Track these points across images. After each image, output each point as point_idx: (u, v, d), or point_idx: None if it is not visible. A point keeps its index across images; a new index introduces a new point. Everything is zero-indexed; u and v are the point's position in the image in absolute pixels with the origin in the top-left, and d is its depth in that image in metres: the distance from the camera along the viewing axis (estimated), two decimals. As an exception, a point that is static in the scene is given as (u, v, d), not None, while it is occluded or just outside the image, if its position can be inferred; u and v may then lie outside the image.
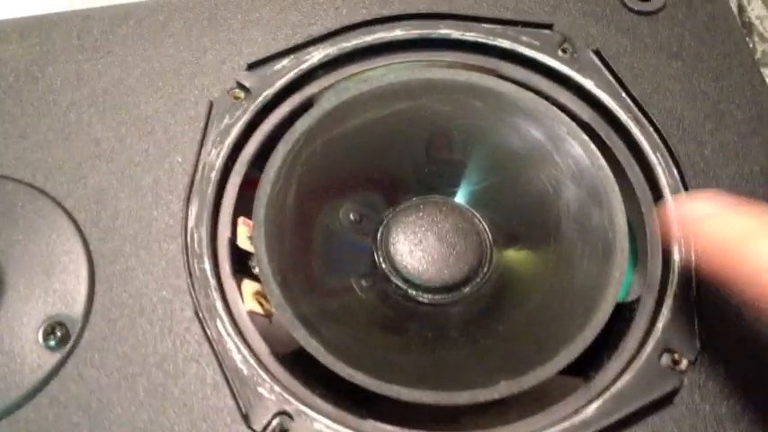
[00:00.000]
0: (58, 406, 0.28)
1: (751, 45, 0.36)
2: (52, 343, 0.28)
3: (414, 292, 0.32)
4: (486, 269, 0.32)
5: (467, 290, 0.32)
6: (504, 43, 0.34)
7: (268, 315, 0.30)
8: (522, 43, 0.34)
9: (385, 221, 0.33)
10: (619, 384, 0.28)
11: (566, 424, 0.27)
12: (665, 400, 0.28)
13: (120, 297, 0.29)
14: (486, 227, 0.33)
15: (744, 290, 0.24)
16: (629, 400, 0.27)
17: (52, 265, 0.30)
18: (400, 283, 0.32)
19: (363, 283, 0.31)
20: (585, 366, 0.29)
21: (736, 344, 0.29)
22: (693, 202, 0.27)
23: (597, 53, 0.34)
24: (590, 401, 0.27)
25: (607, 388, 0.28)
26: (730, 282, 0.24)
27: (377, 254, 0.32)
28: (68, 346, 0.28)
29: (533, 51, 0.34)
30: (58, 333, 0.29)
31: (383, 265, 0.32)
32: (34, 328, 0.29)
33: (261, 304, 0.30)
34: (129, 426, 0.27)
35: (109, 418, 0.27)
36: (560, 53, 0.34)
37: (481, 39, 0.35)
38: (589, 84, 0.33)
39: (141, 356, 0.28)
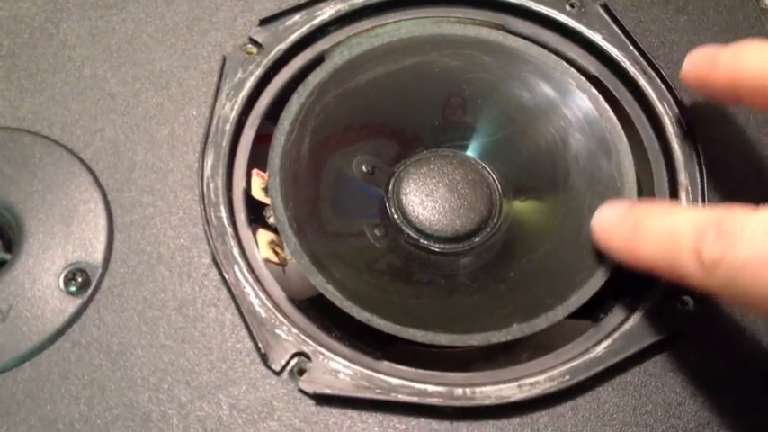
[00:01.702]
0: (80, 348, 0.28)
1: (756, -1, 0.36)
2: (73, 288, 0.29)
3: (426, 242, 0.32)
4: (496, 219, 0.33)
5: (477, 239, 0.32)
6: (513, -2, 0.35)
7: (282, 264, 0.31)
8: (530, -2, 0.35)
9: (396, 173, 0.33)
10: (627, 325, 0.28)
11: (576, 362, 0.28)
12: (672, 339, 0.28)
13: (138, 245, 0.30)
14: (495, 179, 0.33)
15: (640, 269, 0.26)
16: (637, 339, 0.28)
17: (71, 215, 0.30)
18: (412, 233, 0.32)
19: (376, 232, 0.32)
20: (594, 310, 0.30)
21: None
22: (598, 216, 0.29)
23: (605, 7, 0.34)
24: (599, 341, 0.28)
25: (615, 329, 0.28)
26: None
27: (389, 205, 0.33)
28: (89, 291, 0.29)
29: (541, 6, 0.35)
30: (79, 279, 0.29)
31: (395, 216, 0.33)
32: (55, 274, 0.29)
33: (276, 253, 0.31)
34: (151, 366, 0.28)
35: (130, 360, 0.28)
36: (568, 8, 0.35)
37: (490, -6, 0.35)
38: (597, 37, 0.34)
39: (161, 301, 0.29)
